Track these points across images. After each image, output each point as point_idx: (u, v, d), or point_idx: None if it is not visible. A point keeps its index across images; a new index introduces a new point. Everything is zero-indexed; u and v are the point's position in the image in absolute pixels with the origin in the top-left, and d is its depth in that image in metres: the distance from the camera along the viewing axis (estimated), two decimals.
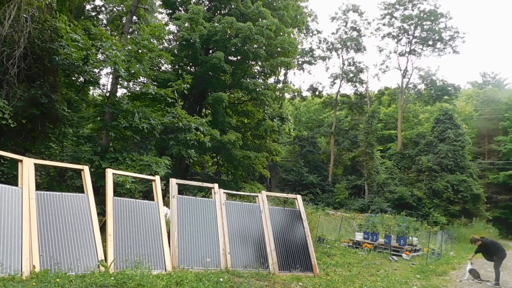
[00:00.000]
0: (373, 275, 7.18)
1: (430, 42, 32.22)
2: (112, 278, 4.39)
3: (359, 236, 12.08)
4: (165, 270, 5.22)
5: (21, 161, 4.93)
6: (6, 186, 4.64)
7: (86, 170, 5.51)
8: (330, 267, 7.44)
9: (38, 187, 5.66)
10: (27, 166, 4.91)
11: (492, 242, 7.72)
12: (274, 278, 5.74)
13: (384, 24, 34.12)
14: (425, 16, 31.63)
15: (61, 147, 7.89)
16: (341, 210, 25.57)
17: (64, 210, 4.97)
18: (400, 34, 33.53)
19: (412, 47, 33.09)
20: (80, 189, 5.99)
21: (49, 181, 8.01)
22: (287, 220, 6.92)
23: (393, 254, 10.39)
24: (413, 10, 32.40)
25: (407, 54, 33.39)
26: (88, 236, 4.94)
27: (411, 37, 32.97)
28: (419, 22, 32.12)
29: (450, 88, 32.27)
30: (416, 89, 34.91)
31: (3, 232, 4.28)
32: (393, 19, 33.51)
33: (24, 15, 6.20)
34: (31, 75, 7.04)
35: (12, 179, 6.66)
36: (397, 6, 32.98)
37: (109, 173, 5.66)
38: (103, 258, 4.88)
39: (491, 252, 7.40)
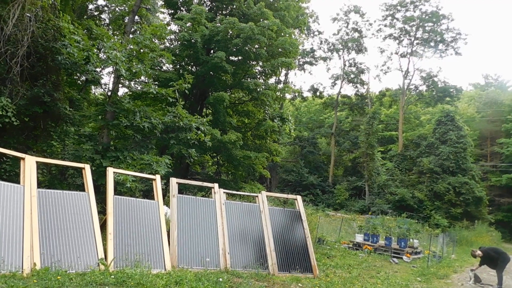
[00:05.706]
0: (373, 277, 7.16)
1: (432, 44, 32.15)
2: (112, 276, 4.41)
3: (359, 238, 12.05)
4: (165, 269, 5.24)
5: (23, 159, 4.96)
6: (8, 184, 4.67)
7: (87, 169, 5.54)
8: (330, 269, 7.43)
9: (40, 185, 5.68)
10: (29, 164, 4.95)
11: (491, 248, 7.65)
12: (274, 278, 5.75)
13: (385, 25, 34.11)
14: (426, 17, 31.57)
15: (63, 146, 7.93)
16: (342, 211, 25.52)
17: (65, 208, 5.00)
18: (401, 35, 33.49)
19: (414, 48, 33.03)
20: (81, 187, 6.02)
21: (50, 179, 8.05)
22: (287, 221, 6.92)
23: (394, 256, 10.36)
24: (414, 12, 32.37)
25: (408, 55, 33.35)
26: (88, 234, 4.97)
27: (412, 38, 32.93)
28: (420, 24, 32.07)
29: (452, 90, 32.17)
30: (417, 91, 34.82)
31: (5, 229, 4.31)
32: (395, 20, 33.50)
33: (28, 15, 6.24)
34: (34, 74, 7.08)
35: (14, 176, 6.70)
36: (399, 7, 32.95)
37: (110, 171, 5.68)
38: (103, 256, 4.90)
39: (493, 258, 7.30)
